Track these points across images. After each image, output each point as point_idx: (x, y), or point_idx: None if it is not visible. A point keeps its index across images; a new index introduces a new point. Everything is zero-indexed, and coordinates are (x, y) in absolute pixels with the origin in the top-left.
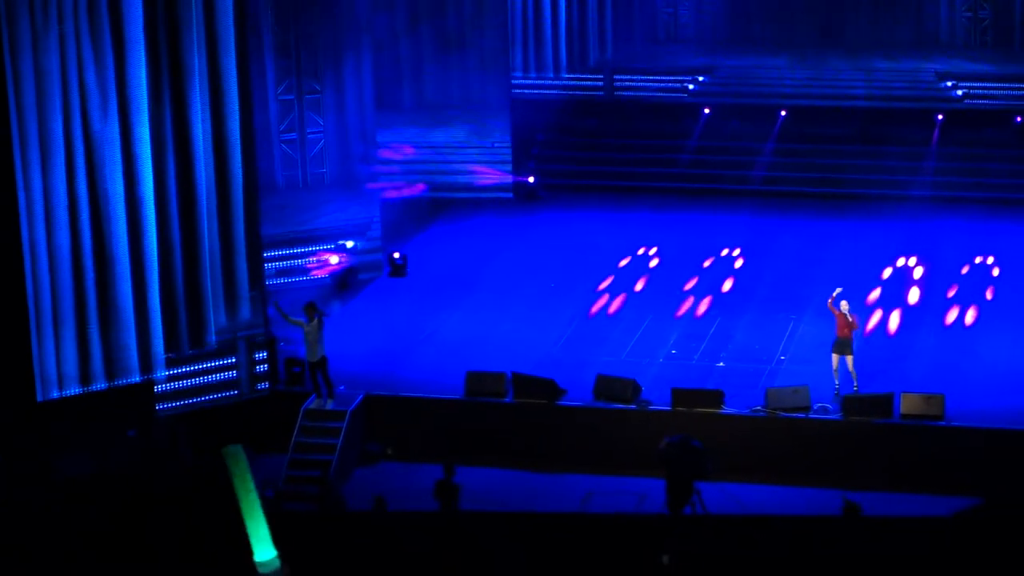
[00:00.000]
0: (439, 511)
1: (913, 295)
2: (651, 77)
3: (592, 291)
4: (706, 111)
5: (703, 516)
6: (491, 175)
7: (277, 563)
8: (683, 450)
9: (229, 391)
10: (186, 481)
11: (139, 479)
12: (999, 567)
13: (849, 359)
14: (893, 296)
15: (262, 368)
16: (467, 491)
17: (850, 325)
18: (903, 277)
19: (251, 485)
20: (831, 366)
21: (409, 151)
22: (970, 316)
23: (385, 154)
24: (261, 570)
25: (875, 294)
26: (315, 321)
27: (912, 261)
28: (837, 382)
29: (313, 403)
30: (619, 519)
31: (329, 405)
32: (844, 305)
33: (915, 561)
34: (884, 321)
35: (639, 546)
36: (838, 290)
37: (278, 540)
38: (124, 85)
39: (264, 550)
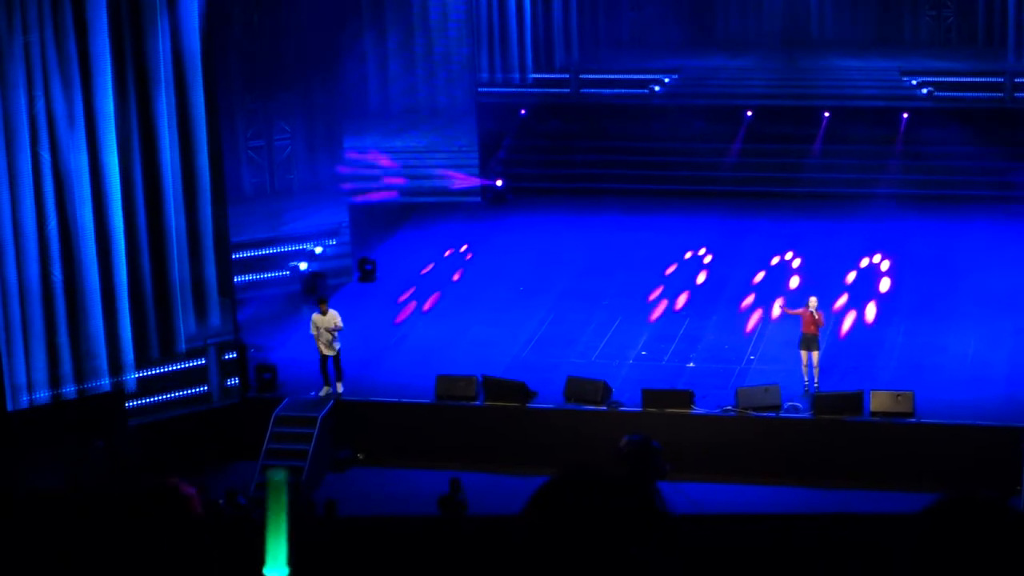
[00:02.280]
0: (409, 515)
1: (880, 293)
2: (617, 77)
3: (561, 293)
4: (672, 112)
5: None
6: (459, 179)
7: None
8: (643, 449)
9: (199, 398)
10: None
11: (107, 491)
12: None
13: (815, 355)
14: (864, 291)
15: (232, 376)
16: (438, 495)
17: (816, 322)
18: (870, 276)
19: (284, 510)
20: (800, 364)
21: (376, 156)
22: (936, 314)
23: (352, 159)
24: None
25: (842, 300)
26: (330, 313)
27: (878, 259)
28: (806, 379)
29: (323, 392)
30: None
31: (340, 389)
32: (812, 302)
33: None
34: (859, 317)
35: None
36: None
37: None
38: (90, 94)
39: (277, 571)
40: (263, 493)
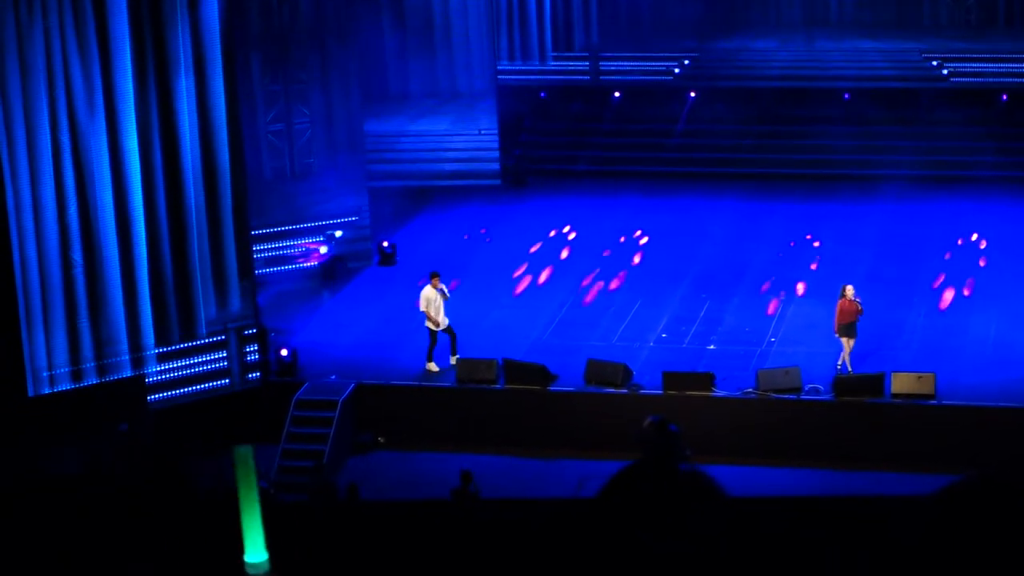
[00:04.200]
0: (429, 500)
1: (902, 275)
2: (637, 61)
3: (581, 276)
4: (692, 95)
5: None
6: (479, 162)
7: (267, 567)
8: (659, 432)
9: (220, 382)
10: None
11: (129, 475)
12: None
13: (851, 342)
14: (882, 275)
15: (253, 359)
16: (450, 488)
17: (856, 311)
18: (893, 257)
19: (255, 487)
20: (842, 351)
21: (396, 139)
22: (960, 295)
23: (372, 143)
24: (250, 571)
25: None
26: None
27: (901, 241)
28: (849, 366)
29: (435, 368)
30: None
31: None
32: (849, 291)
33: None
34: (879, 298)
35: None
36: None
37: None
38: (110, 79)
39: (257, 552)
40: (237, 473)
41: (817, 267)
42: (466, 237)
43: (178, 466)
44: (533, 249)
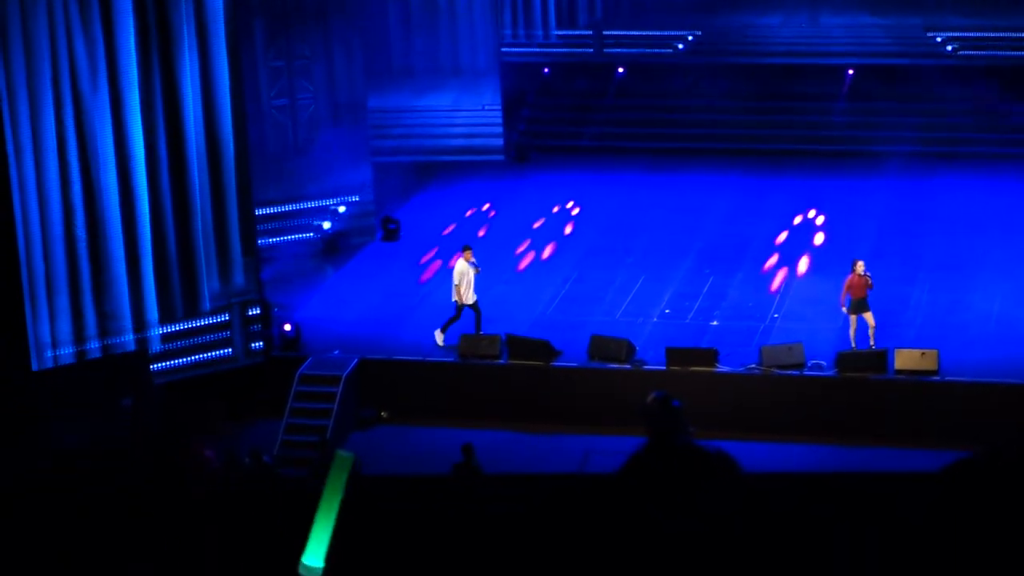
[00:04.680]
0: (431, 475)
1: (904, 251)
2: (640, 37)
3: (585, 252)
4: (695, 70)
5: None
6: (483, 138)
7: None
8: (663, 407)
9: (224, 357)
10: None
11: (133, 451)
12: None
13: (868, 316)
14: (885, 252)
15: (257, 335)
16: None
17: (866, 285)
18: (894, 233)
19: (340, 494)
20: (848, 327)
21: (400, 115)
22: (962, 271)
23: (376, 119)
24: (302, 571)
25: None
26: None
27: (903, 218)
28: (853, 343)
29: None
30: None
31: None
32: (859, 266)
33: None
34: (882, 274)
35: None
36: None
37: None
38: (113, 54)
39: (316, 557)
40: (324, 469)
41: (821, 243)
42: (468, 214)
43: (190, 444)
44: (536, 225)
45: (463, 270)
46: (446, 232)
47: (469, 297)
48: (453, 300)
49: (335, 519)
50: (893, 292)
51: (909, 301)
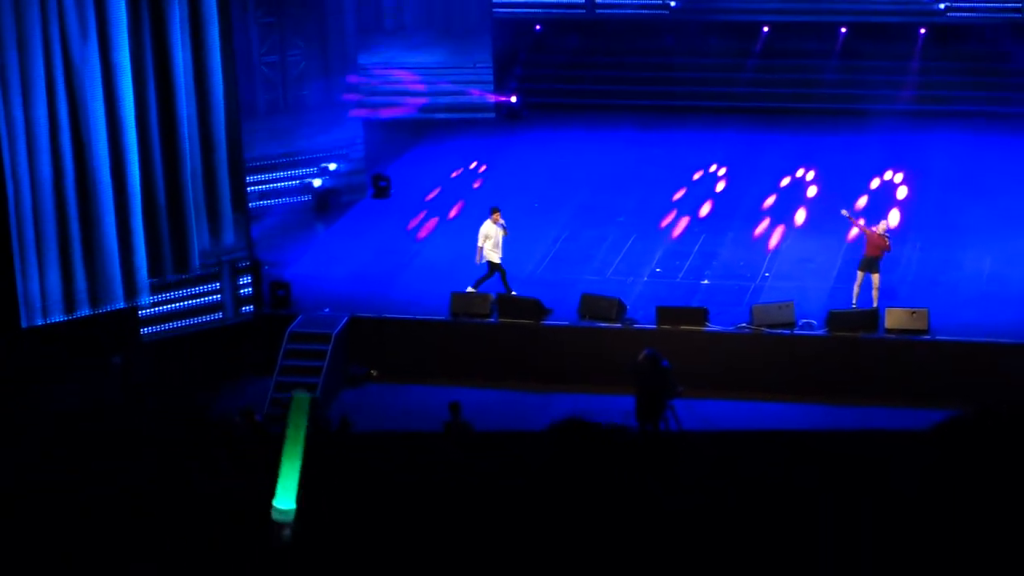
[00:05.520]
0: (421, 432)
1: (896, 210)
2: None
3: (577, 209)
4: (688, 28)
5: (684, 432)
6: (474, 95)
7: (292, 516)
8: (652, 366)
9: (214, 315)
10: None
11: (124, 409)
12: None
13: (875, 277)
14: (877, 210)
15: (247, 292)
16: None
17: (883, 247)
18: (887, 192)
19: (302, 436)
20: (854, 281)
21: (391, 72)
22: (953, 230)
23: (367, 76)
24: (276, 516)
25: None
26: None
27: (896, 176)
28: (855, 300)
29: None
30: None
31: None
32: (883, 225)
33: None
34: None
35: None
36: (846, 213)
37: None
38: (103, 10)
39: (287, 499)
40: (283, 416)
41: (814, 197)
42: (454, 175)
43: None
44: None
45: (489, 232)
46: (429, 197)
47: (494, 257)
48: (487, 262)
49: (300, 461)
50: (889, 251)
51: (900, 260)
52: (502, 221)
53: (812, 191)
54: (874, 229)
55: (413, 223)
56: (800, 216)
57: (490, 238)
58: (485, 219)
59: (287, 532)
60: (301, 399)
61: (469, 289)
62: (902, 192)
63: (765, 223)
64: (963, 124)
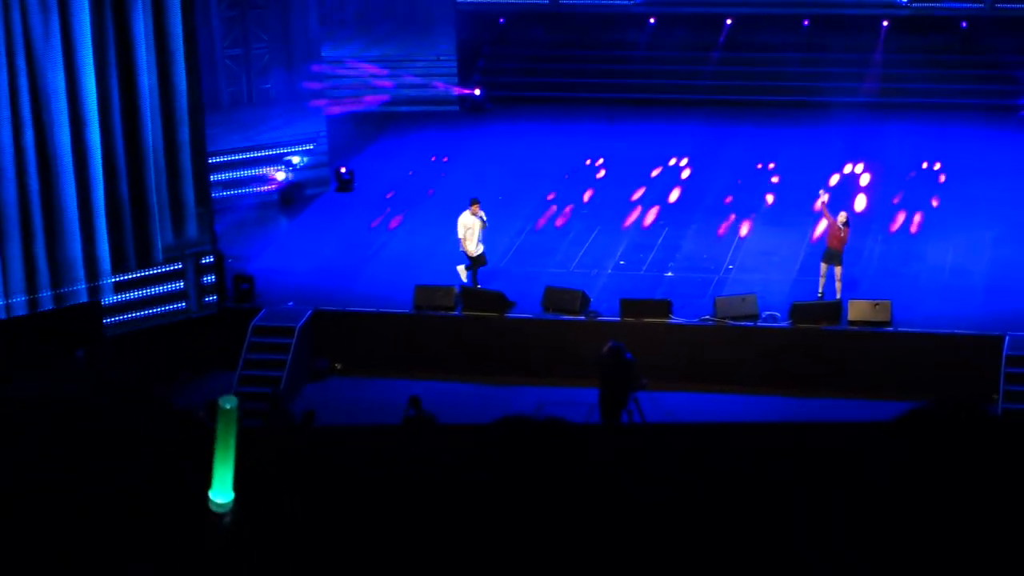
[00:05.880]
0: (385, 425)
1: (859, 202)
2: None
3: (540, 203)
4: (652, 20)
5: (646, 424)
6: (438, 88)
7: (231, 507)
8: (616, 358)
9: (177, 308)
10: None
11: (87, 401)
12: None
13: (838, 269)
14: (841, 202)
15: (210, 286)
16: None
17: (841, 238)
18: (850, 184)
19: (233, 436)
20: (818, 272)
21: (355, 65)
22: (916, 222)
23: (330, 69)
24: (214, 508)
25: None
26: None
27: (859, 168)
28: (820, 291)
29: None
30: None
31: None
32: (842, 216)
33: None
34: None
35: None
36: (824, 196)
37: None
38: (66, 5)
39: (224, 493)
40: (214, 417)
41: (777, 190)
42: (411, 173)
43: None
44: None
45: (468, 223)
46: (389, 196)
47: (474, 249)
48: (464, 252)
49: (234, 455)
50: (848, 243)
51: (862, 252)
52: (481, 212)
53: (775, 177)
54: (835, 220)
55: (376, 222)
56: (770, 198)
57: (470, 229)
58: (452, 211)
59: (226, 521)
60: (228, 410)
61: (461, 269)
62: (864, 181)
63: (731, 219)
64: (926, 116)
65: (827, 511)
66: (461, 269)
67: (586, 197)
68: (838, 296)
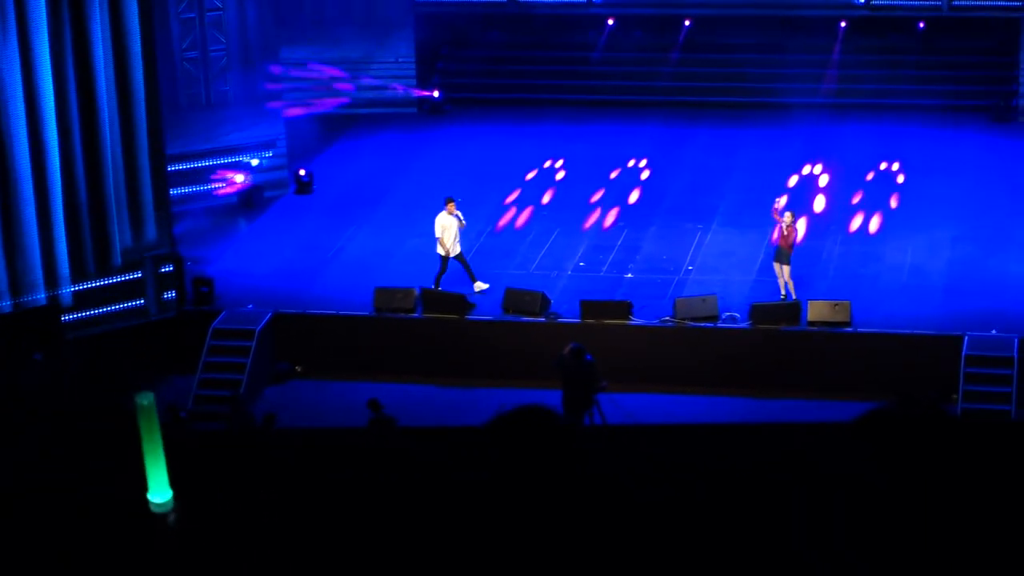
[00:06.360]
0: (346, 428)
1: (818, 203)
2: None
3: (499, 205)
4: (610, 22)
5: (609, 426)
6: (396, 90)
7: (171, 505)
8: (576, 360)
9: (136, 312)
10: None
11: (46, 403)
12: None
13: (785, 269)
14: (799, 203)
15: (169, 289)
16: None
17: (784, 237)
18: (809, 185)
19: (157, 432)
20: (774, 274)
21: (313, 67)
22: (875, 223)
23: (288, 71)
24: (154, 509)
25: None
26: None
27: (817, 168)
28: (783, 292)
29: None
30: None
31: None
32: (788, 216)
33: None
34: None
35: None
36: (783, 199)
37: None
38: (23, 8)
39: (161, 492)
40: (137, 416)
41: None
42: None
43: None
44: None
45: (445, 223)
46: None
47: (454, 249)
48: (437, 253)
49: (163, 453)
50: (806, 244)
51: (821, 253)
52: (457, 212)
53: (736, 183)
54: (781, 220)
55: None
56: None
57: (447, 229)
58: (410, 214)
59: (171, 519)
60: (146, 400)
61: (480, 285)
62: (823, 182)
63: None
64: (884, 116)
65: (787, 511)
66: (482, 285)
67: (545, 199)
68: (782, 294)
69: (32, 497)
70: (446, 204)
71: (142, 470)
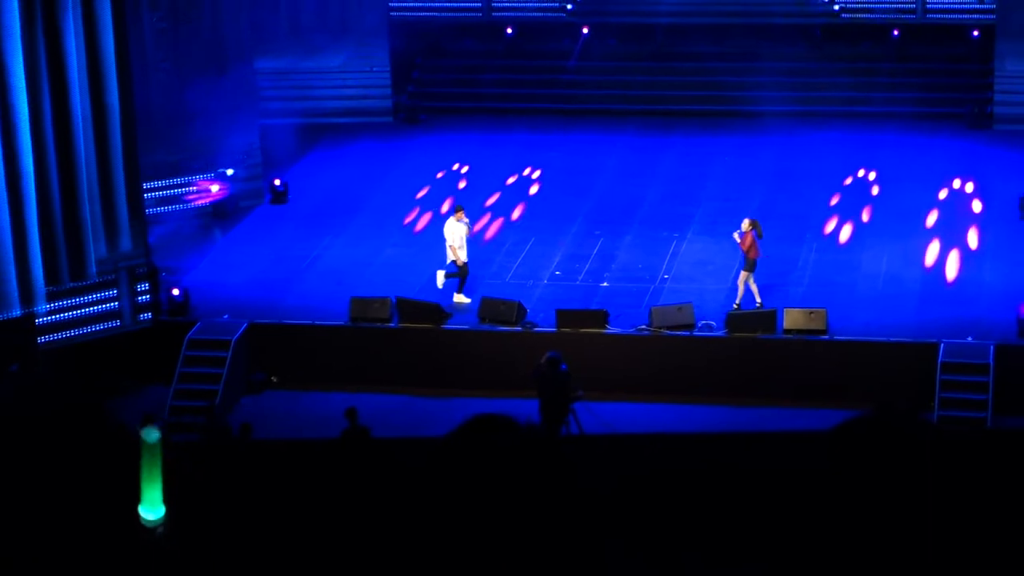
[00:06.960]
0: (321, 439)
1: (794, 211)
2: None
3: (475, 213)
4: (585, 31)
5: (586, 435)
6: (372, 99)
7: (161, 522)
8: (552, 369)
9: (111, 322)
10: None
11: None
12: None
13: (742, 274)
14: (774, 211)
15: (144, 299)
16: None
17: (740, 243)
18: (784, 192)
19: (159, 467)
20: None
21: (287, 76)
22: (848, 232)
23: (264, 80)
24: (145, 524)
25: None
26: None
27: (792, 176)
28: (758, 300)
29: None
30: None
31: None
32: (744, 224)
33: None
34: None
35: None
36: (746, 223)
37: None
38: None
39: (154, 511)
40: (144, 444)
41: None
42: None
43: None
44: (420, 195)
45: (456, 231)
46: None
47: (460, 257)
48: (450, 261)
49: (160, 477)
50: (781, 252)
51: (797, 261)
52: (466, 219)
53: (711, 192)
54: (739, 230)
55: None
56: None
57: (458, 236)
58: (385, 223)
59: (159, 532)
60: (151, 430)
61: (461, 299)
62: (798, 190)
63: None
64: (858, 124)
65: (766, 519)
66: (459, 297)
67: (515, 214)
68: (758, 302)
69: (14, 504)
70: (455, 212)
71: (132, 481)
